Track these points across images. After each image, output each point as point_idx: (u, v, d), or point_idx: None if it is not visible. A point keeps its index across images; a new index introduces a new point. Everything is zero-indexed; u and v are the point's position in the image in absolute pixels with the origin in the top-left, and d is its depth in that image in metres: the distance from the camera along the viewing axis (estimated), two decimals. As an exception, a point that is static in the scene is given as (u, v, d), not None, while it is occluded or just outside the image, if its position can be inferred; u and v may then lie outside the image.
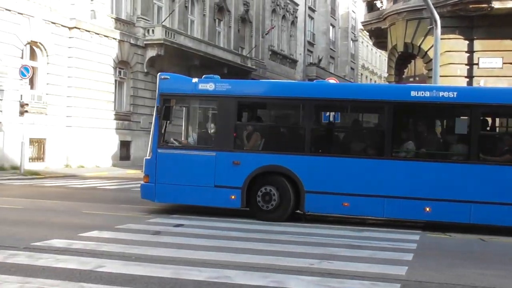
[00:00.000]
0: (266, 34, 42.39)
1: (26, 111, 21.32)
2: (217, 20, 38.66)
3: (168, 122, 12.06)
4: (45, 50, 24.52)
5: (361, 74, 76.18)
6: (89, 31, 26.30)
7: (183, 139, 12.88)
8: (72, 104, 25.64)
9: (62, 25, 25.11)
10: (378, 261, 7.91)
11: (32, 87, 23.15)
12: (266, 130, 12.22)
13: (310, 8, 57.92)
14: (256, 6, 44.05)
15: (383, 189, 11.05)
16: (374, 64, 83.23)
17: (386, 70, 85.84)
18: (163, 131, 11.94)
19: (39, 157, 24.40)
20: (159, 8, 32.59)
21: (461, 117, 11.54)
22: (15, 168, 21.76)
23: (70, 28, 25.49)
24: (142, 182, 12.20)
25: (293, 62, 52.62)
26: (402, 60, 23.24)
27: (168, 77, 12.25)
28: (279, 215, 11.51)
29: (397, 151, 11.34)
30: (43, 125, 24.42)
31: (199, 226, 10.37)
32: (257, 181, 11.52)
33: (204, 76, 12.60)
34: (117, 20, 28.68)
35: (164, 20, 31.55)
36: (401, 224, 11.75)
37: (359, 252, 8.48)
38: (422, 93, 11.03)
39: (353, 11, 71.78)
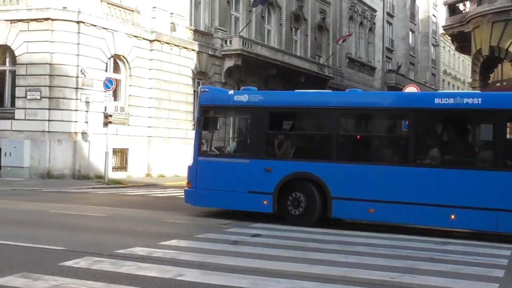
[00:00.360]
0: (343, 41, 42.01)
1: (110, 122, 22.26)
2: (293, 29, 38.83)
3: (207, 131, 12.97)
4: (128, 62, 25.50)
5: (443, 80, 73.96)
6: (169, 43, 27.10)
7: (221, 147, 13.52)
8: (153, 115, 26.47)
9: (143, 38, 26.04)
10: (464, 277, 7.57)
11: (115, 99, 24.15)
12: (296, 138, 12.80)
13: (388, 13, 57.00)
14: (333, 13, 43.89)
15: (407, 196, 11.13)
16: (456, 69, 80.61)
17: (469, 76, 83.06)
18: (203, 140, 12.95)
19: (122, 167, 25.34)
20: (236, 19, 33.15)
21: (486, 124, 11.32)
22: (99, 177, 22.72)
23: (151, 41, 26.38)
24: (186, 187, 13.23)
25: (371, 69, 51.93)
26: (487, 65, 22.43)
27: (207, 90, 13.38)
28: (306, 219, 11.97)
29: (422, 158, 11.47)
30: (126, 135, 25.35)
31: (276, 237, 10.41)
32: (287, 187, 12.06)
33: (242, 88, 13.68)
34: (196, 31, 29.41)
35: (241, 31, 32.04)
36: (488, 238, 11.30)
37: (442, 266, 8.18)
38: (446, 100, 11.07)
39: (433, 15, 69.95)
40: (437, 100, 11.19)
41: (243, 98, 12.59)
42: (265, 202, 12.17)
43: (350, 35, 44.56)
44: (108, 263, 7.46)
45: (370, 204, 11.41)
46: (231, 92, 13.37)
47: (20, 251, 8.15)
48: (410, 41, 63.31)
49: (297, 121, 13.15)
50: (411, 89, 21.32)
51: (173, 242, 9.32)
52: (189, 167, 13.09)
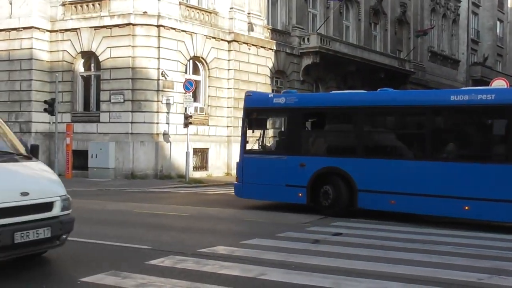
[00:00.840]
0: (424, 35, 40.98)
1: (190, 123, 22.87)
2: (372, 24, 38.30)
3: (252, 131, 14.53)
4: (207, 64, 26.06)
5: (534, 71, 70.47)
6: (246, 43, 27.46)
7: (264, 145, 14.90)
8: (232, 115, 26.91)
9: (221, 39, 26.53)
10: (557, 280, 7.32)
11: (195, 100, 24.73)
12: (326, 136, 14.23)
13: (474, 3, 54.98)
14: (413, 6, 42.90)
15: (424, 188, 11.99)
16: (549, 59, 76.58)
17: None
18: (248, 139, 14.52)
19: (202, 166, 25.95)
20: (314, 16, 33.09)
21: (499, 119, 11.85)
22: (180, 176, 23.38)
23: (229, 42, 26.83)
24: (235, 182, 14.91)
25: (455, 62, 50.33)
26: None
27: (251, 94, 15.09)
28: (335, 210, 13.18)
29: (437, 153, 12.26)
30: (205, 135, 25.94)
31: (357, 235, 10.39)
32: (319, 181, 13.37)
33: (283, 91, 15.64)
34: (273, 30, 29.62)
35: (319, 28, 31.99)
36: None
37: (532, 268, 7.93)
38: (462, 97, 11.75)
39: (523, 3, 66.76)
40: (452, 97, 11.88)
41: (281, 100, 14.02)
42: (300, 195, 13.54)
43: (432, 28, 43.38)
44: (192, 262, 7.71)
45: (392, 196, 12.37)
46: (271, 95, 15.04)
47: (109, 250, 8.60)
48: (498, 31, 60.76)
49: (327, 121, 14.31)
50: (499, 82, 20.54)
51: (255, 241, 9.47)
52: (237, 164, 14.92)
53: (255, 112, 14.56)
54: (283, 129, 14.86)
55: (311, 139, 14.24)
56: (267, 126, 15.04)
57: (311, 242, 9.55)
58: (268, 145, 15.02)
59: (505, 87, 19.85)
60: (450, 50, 49.60)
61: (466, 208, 11.58)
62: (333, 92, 16.12)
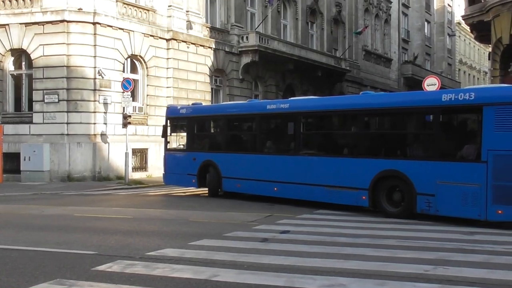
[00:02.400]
0: (358, 33, 41.81)
1: (129, 123, 22.32)
2: (309, 23, 38.67)
3: (171, 134, 18.86)
4: (145, 62, 25.54)
5: (459, 69, 73.40)
6: (185, 42, 27.11)
7: (177, 145, 19.18)
8: (171, 114, 26.48)
9: (160, 38, 26.06)
10: (496, 266, 7.60)
11: (133, 99, 24.16)
12: (206, 137, 18.59)
13: (403, 4, 56.56)
14: (348, 6, 43.64)
15: (253, 175, 15.97)
16: (472, 58, 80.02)
17: (485, 64, 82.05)
18: (168, 140, 18.84)
19: (142, 167, 25.41)
20: (252, 15, 33.07)
21: (290, 122, 15.47)
22: (120, 178, 22.80)
23: (167, 40, 26.40)
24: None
25: (388, 61, 51.60)
26: (508, 53, 22.04)
27: (169, 107, 19.93)
28: (211, 191, 17.64)
29: (259, 148, 16.16)
30: (145, 135, 25.42)
31: (305, 232, 10.37)
32: (203, 170, 17.62)
33: (192, 103, 20.23)
34: (212, 29, 29.38)
35: (258, 27, 31.97)
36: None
37: (473, 257, 8.20)
38: (273, 106, 15.71)
39: (448, 5, 69.34)
40: (269, 106, 15.73)
41: (184, 111, 18.55)
42: (193, 181, 17.83)
43: (366, 27, 44.31)
44: (141, 266, 7.44)
45: (238, 181, 16.46)
46: (179, 107, 19.38)
47: (52, 257, 8.15)
48: (426, 31, 62.82)
49: (206, 125, 18.56)
50: (431, 80, 21.12)
51: (203, 241, 9.30)
52: (163, 158, 19.16)
53: (171, 120, 18.89)
54: (185, 132, 18.76)
55: (199, 139, 18.45)
56: (179, 130, 19.02)
57: (260, 241, 9.44)
58: (178, 144, 19.03)
59: (436, 84, 20.51)
60: (383, 49, 50.82)
61: (275, 189, 15.30)
62: (212, 104, 21.43)
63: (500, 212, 10.92)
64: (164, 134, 18.78)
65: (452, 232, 10.64)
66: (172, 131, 18.83)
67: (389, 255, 8.27)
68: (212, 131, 18.50)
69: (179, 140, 19.03)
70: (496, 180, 10.88)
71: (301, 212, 13.38)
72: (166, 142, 18.78)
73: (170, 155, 18.70)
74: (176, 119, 18.79)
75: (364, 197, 13.12)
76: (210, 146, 17.81)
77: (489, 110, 10.99)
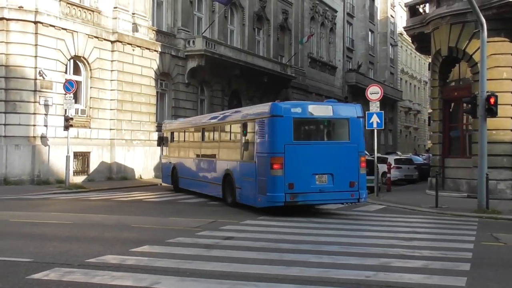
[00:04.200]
0: (304, 42, 42.25)
1: (71, 125, 21.72)
2: (256, 29, 38.81)
3: (163, 144, 23.61)
4: (88, 64, 25.00)
5: (401, 78, 75.25)
6: (131, 44, 26.73)
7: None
8: (115, 117, 26.06)
9: (105, 39, 25.59)
10: (434, 272, 7.78)
11: (76, 101, 23.56)
12: (178, 147, 22.37)
13: (348, 14, 57.60)
14: (295, 14, 44.05)
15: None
16: (413, 68, 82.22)
17: (426, 74, 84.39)
18: (163, 148, 23.77)
19: (83, 171, 24.83)
20: (199, 19, 32.92)
21: (192, 133, 20.47)
22: (60, 182, 22.18)
23: (112, 42, 25.96)
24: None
25: (333, 68, 52.36)
26: (446, 64, 22.73)
27: (162, 123, 24.70)
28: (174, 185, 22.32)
29: (189, 154, 20.76)
30: (87, 138, 24.87)
31: (249, 239, 10.33)
32: (174, 171, 22.32)
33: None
34: (158, 32, 29.07)
35: (205, 31, 31.84)
36: (450, 233, 11.54)
37: (412, 263, 8.37)
38: (189, 121, 21.87)
39: (391, 16, 71.06)
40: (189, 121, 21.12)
41: (165, 125, 23.70)
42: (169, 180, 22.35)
43: (312, 35, 44.83)
44: (80, 274, 7.20)
45: (184, 179, 20.96)
46: (168, 121, 24.46)
47: (-16, 264, 7.78)
48: (370, 41, 64.12)
49: (175, 136, 22.35)
50: (374, 89, 21.55)
51: (145, 248, 9.13)
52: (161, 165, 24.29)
53: (164, 132, 23.49)
54: (166, 143, 23.26)
55: (172, 148, 22.57)
56: (165, 141, 23.31)
57: (203, 247, 9.33)
58: (166, 153, 23.25)
59: (379, 92, 20.95)
60: (328, 57, 51.55)
61: (195, 186, 19.76)
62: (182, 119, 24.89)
63: (259, 200, 14.23)
64: (159, 144, 24.22)
65: (393, 238, 10.83)
66: (164, 142, 23.30)
67: (332, 261, 8.32)
68: (175, 141, 22.31)
69: (167, 149, 23.27)
70: (259, 176, 14.26)
71: (245, 218, 13.36)
72: (161, 151, 23.92)
73: (163, 163, 23.48)
74: (165, 131, 23.31)
75: (220, 191, 16.85)
76: (174, 153, 22.11)
77: (255, 123, 14.70)
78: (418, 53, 69.95)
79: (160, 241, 9.84)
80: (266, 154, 14.06)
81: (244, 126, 15.59)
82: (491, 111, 16.19)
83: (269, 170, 13.78)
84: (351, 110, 14.85)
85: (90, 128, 25.02)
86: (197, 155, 19.66)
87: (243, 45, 36.48)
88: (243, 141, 15.60)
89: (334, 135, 15.14)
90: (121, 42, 26.16)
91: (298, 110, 14.19)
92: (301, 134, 14.60)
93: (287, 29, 42.90)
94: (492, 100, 16.06)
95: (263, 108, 14.75)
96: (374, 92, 21.27)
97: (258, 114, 14.79)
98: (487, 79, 16.70)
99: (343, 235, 11.06)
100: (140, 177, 26.99)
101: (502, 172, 19.67)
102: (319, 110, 14.63)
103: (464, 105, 20.04)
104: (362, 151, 14.83)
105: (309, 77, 46.69)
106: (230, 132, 17.08)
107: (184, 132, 21.22)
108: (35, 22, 22.22)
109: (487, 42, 16.75)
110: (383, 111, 21.09)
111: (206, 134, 19.04)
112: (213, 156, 17.96)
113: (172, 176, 21.82)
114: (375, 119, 20.65)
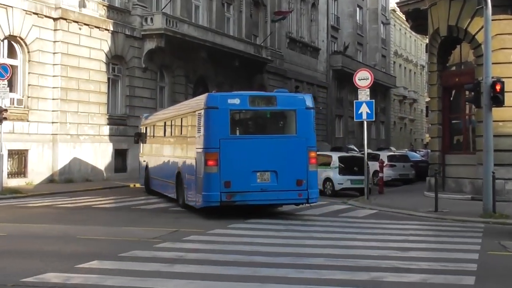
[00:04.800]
0: (282, 19, 42.23)
1: (5, 118, 21.35)
2: (225, 4, 38.76)
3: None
4: (26, 45, 24.70)
5: (394, 62, 75.98)
6: (77, 22, 26.49)
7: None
8: (59, 108, 25.81)
9: (46, 16, 25.32)
10: (434, 287, 7.86)
11: (11, 90, 23.15)
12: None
13: (333, -13, 57.87)
14: (270, -14, 44.05)
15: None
16: (408, 50, 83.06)
17: (422, 57, 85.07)
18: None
19: (20, 172, 24.54)
20: (158, -7, 32.71)
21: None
22: (-8, 185, 21.83)
23: (55, 19, 25.67)
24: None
25: (315, 50, 52.57)
26: (445, 46, 22.96)
27: (143, 114, 25.53)
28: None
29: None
30: (25, 133, 24.60)
31: (217, 251, 10.32)
32: (147, 168, 23.36)
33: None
34: (110, 8, 28.83)
35: (165, 7, 31.68)
36: (452, 241, 11.68)
37: (409, 277, 8.43)
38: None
39: (383, -11, 71.58)
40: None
41: (142, 120, 24.74)
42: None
43: (290, 11, 44.78)
44: (15, 295, 7.10)
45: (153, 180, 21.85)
46: (145, 114, 24.99)
47: None
48: (358, 18, 64.53)
49: (147, 131, 23.37)
50: (363, 74, 21.62)
51: (94, 263, 9.05)
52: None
53: (140, 128, 24.97)
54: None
55: (146, 144, 23.51)
56: (143, 137, 24.11)
57: (163, 262, 9.28)
58: (141, 151, 24.56)
59: (369, 78, 21.06)
60: (310, 37, 51.72)
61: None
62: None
63: (198, 200, 15.18)
64: (136, 141, 24.71)
65: (386, 248, 10.91)
66: (141, 138, 24.02)
67: (315, 276, 8.33)
68: (148, 137, 22.99)
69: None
70: (197, 173, 15.15)
71: (212, 227, 13.32)
72: (139, 149, 24.65)
73: (140, 159, 24.25)
74: (142, 127, 24.25)
75: (175, 191, 17.57)
76: (146, 150, 23.23)
77: (196, 116, 15.55)
78: (413, 33, 70.61)
79: (112, 255, 9.75)
80: (201, 150, 14.89)
81: (187, 120, 16.46)
82: (497, 99, 16.35)
83: (204, 167, 14.53)
84: (299, 101, 15.40)
85: (28, 121, 24.74)
86: (160, 152, 20.49)
87: (210, 23, 36.37)
88: (188, 136, 16.48)
89: (279, 128, 15.88)
90: (65, 19, 25.88)
91: (236, 101, 14.83)
92: (240, 127, 15.51)
93: (261, 4, 42.91)
94: (498, 87, 16.23)
95: (201, 99, 15.49)
96: (363, 78, 21.37)
97: (197, 106, 15.60)
98: (492, 63, 16.85)
99: (328, 246, 11.07)
100: (88, 180, 26.73)
101: (510, 170, 19.92)
102: (261, 100, 15.37)
103: (467, 92, 20.26)
104: (312, 146, 15.28)
105: (287, 61, 46.79)
106: (181, 126, 17.73)
107: (153, 127, 22.15)
108: (-39, -5, 21.86)
109: (492, 20, 16.92)
110: (373, 100, 21.19)
111: (165, 129, 19.83)
112: (170, 153, 18.92)
113: (145, 177, 22.81)
114: (364, 109, 20.75)
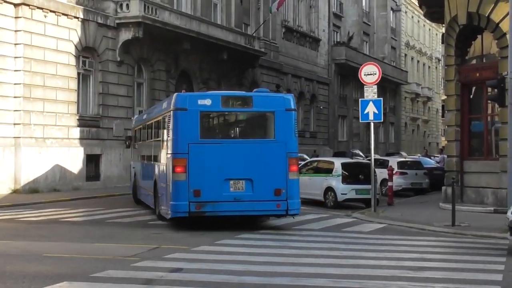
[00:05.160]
0: (274, 8, 42.27)
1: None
2: (212, -11, 38.82)
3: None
4: (-18, 35, 24.71)
5: (405, 54, 76.20)
6: (42, 9, 26.46)
7: None
8: (22, 108, 25.79)
9: (5, 1, 25.29)
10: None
11: (-33, 86, 23.24)
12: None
13: (335, -32, 58.04)
14: (264, -32, 44.16)
15: None
16: (422, 41, 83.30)
17: (438, 49, 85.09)
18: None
19: (-26, 181, 24.54)
20: (135, -25, 32.72)
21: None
22: None
23: (16, 5, 25.67)
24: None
25: (315, 41, 52.73)
26: (464, 36, 23.08)
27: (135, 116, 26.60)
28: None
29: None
30: (-18, 136, 24.57)
31: (203, 271, 10.35)
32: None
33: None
34: (80, -8, 28.85)
35: (142, -9, 31.67)
36: (471, 260, 11.73)
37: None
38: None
39: (393, -29, 71.84)
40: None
41: (133, 120, 25.60)
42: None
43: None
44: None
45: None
46: (135, 117, 25.95)
47: None
48: (364, 4, 64.76)
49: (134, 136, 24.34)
50: (370, 68, 21.69)
51: (63, 285, 9.05)
52: None
53: (131, 131, 25.81)
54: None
55: (134, 148, 24.45)
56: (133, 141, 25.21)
57: (141, 283, 9.33)
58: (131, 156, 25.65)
59: (377, 73, 21.10)
60: (309, 26, 51.86)
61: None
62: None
63: (168, 210, 15.64)
64: (128, 146, 25.47)
65: (397, 267, 10.97)
66: (132, 143, 24.76)
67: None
68: (136, 141, 23.77)
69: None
70: (167, 181, 15.76)
71: (198, 243, 13.35)
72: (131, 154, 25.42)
73: (131, 165, 24.76)
74: (132, 130, 25.10)
75: (153, 201, 18.13)
76: (134, 156, 24.14)
77: (166, 118, 16.14)
78: (428, 21, 70.92)
79: (83, 275, 9.77)
80: (169, 155, 15.53)
81: (160, 122, 17.17)
82: (524, 97, 16.47)
83: (172, 174, 15.14)
84: (278, 102, 15.79)
85: (-15, 122, 24.71)
86: (143, 158, 21.54)
87: (194, 11, 36.43)
88: (161, 140, 17.09)
89: (255, 132, 16.47)
90: (28, 5, 25.87)
91: (207, 101, 15.35)
92: (212, 131, 16.19)
93: (254, -12, 43.03)
94: (525, 83, 16.35)
95: (170, 100, 16.00)
96: (369, 73, 21.46)
97: (167, 107, 16.23)
98: (518, 56, 16.97)
99: (330, 264, 11.10)
100: (55, 190, 26.70)
101: (538, 178, 20.02)
102: (236, 101, 15.92)
103: (489, 89, 20.35)
104: (293, 152, 15.62)
105: (283, 53, 46.91)
106: (157, 129, 18.35)
107: (139, 130, 23.19)
108: None
109: (519, 5, 17.00)
110: (381, 98, 21.29)
111: (146, 132, 20.76)
112: (149, 159, 19.82)
113: (133, 185, 23.60)
114: (371, 109, 20.81)
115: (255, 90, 17.94)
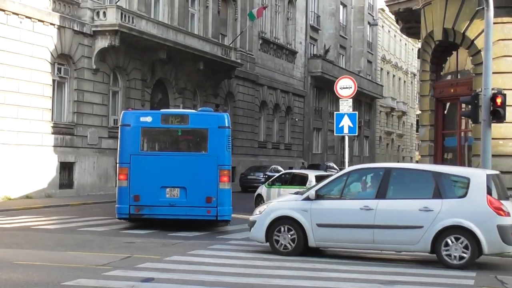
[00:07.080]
0: (255, 17, 42.36)
1: None
2: (190, -1, 38.86)
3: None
4: (-43, 40, 24.52)
5: (381, 68, 76.77)
6: (17, 14, 26.34)
7: None
8: (-6, 116, 25.58)
9: (-21, 6, 25.14)
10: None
11: None
12: None
13: (313, -18, 58.36)
14: (241, -21, 44.30)
15: None
16: (398, 55, 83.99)
17: (414, 64, 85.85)
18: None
19: None
20: (112, -17, 32.72)
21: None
22: None
23: (-10, 11, 25.52)
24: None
25: (291, 53, 52.94)
26: (440, 52, 23.23)
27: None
28: None
29: None
30: (-45, 142, 24.33)
31: (175, 281, 10.35)
32: None
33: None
34: (56, -1, 28.78)
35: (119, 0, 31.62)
36: (441, 274, 11.82)
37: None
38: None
39: (370, -14, 72.39)
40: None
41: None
42: None
43: (265, 8, 44.90)
44: None
45: None
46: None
47: None
48: (341, 18, 65.12)
49: None
50: (345, 81, 21.83)
51: (33, 294, 8.98)
52: None
53: None
54: None
55: None
56: None
57: (112, 292, 9.29)
58: None
59: (352, 87, 21.26)
60: (286, 38, 52.06)
61: None
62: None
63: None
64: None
65: (367, 281, 11.02)
66: None
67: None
68: None
69: None
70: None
71: (170, 253, 13.37)
72: None
73: None
74: None
75: None
76: None
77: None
78: (404, 36, 71.49)
79: (54, 284, 9.72)
80: (116, 164, 18.35)
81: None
82: (498, 114, 16.52)
83: (117, 181, 17.93)
84: (212, 120, 18.11)
85: (-42, 128, 24.50)
86: None
87: (171, 20, 36.44)
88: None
89: (190, 146, 18.85)
90: (3, 10, 25.75)
91: (148, 119, 17.85)
92: (152, 144, 18.74)
93: (231, -1, 43.12)
94: (498, 100, 16.38)
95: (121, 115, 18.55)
96: (345, 86, 21.59)
97: (120, 121, 18.43)
98: (493, 72, 16.97)
99: (302, 277, 11.12)
100: (28, 197, 26.52)
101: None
102: (174, 119, 18.17)
103: (463, 105, 20.52)
104: (225, 165, 17.72)
105: (259, 65, 47.04)
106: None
107: None
108: None
109: (494, 23, 17.00)
110: (357, 112, 21.43)
111: None
112: None
113: None
114: (346, 122, 20.92)
115: (199, 109, 20.29)
